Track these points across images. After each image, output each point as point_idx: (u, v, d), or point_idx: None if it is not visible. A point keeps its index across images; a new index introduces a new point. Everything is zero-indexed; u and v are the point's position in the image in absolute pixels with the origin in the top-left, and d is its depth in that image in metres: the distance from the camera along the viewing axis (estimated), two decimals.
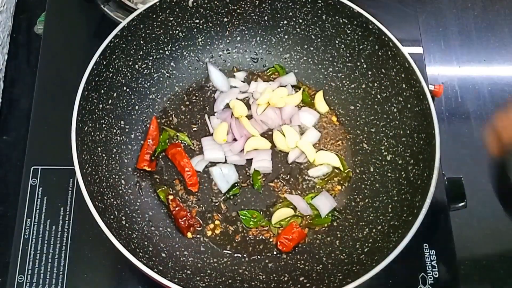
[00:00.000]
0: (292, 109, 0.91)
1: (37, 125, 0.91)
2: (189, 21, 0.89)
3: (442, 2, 1.16)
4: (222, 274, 0.78)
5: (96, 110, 0.80)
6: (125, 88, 0.86)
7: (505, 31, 1.13)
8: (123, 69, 0.85)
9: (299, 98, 0.91)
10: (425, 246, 0.85)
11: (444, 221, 0.87)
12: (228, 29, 0.93)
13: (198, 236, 0.82)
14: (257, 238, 0.83)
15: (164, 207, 0.83)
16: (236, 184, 0.85)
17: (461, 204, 0.87)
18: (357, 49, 0.88)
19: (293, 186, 0.86)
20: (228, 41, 0.94)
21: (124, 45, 0.83)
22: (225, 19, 0.91)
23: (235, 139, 0.88)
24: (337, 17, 0.86)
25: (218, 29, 0.92)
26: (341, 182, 0.87)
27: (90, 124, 0.78)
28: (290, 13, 0.90)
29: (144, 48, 0.87)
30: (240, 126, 0.88)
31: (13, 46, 1.05)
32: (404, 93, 0.82)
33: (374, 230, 0.79)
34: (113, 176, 0.81)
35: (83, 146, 0.75)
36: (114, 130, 0.84)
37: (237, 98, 0.91)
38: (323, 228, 0.83)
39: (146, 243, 0.77)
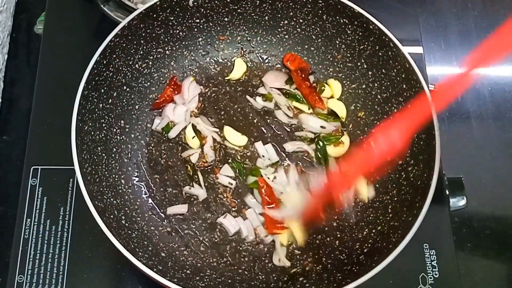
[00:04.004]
0: None
1: (37, 125, 0.91)
2: (190, 21, 0.89)
3: (442, 2, 1.15)
4: (221, 274, 0.78)
5: (96, 110, 0.80)
6: (125, 87, 0.86)
7: None
8: (123, 69, 0.85)
9: None
10: (425, 246, 0.85)
11: (444, 221, 0.87)
12: (229, 28, 0.93)
13: (198, 236, 0.82)
14: (257, 238, 0.82)
15: (163, 206, 0.84)
16: None
17: (461, 204, 0.87)
18: (357, 49, 0.87)
19: None
20: (228, 41, 0.94)
21: (124, 45, 0.83)
22: (226, 19, 0.91)
23: None
24: (337, 17, 0.86)
25: (219, 28, 0.92)
26: None
27: (90, 124, 0.78)
28: (291, 13, 0.89)
29: (145, 47, 0.87)
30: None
31: (13, 46, 1.05)
32: (405, 94, 0.82)
33: (374, 231, 0.79)
34: (113, 175, 0.81)
35: (83, 145, 0.75)
36: (114, 130, 0.84)
37: None
38: (323, 228, 0.83)
39: (145, 242, 0.77)
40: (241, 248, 0.81)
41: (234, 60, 0.94)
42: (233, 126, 0.89)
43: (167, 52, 0.91)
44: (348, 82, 0.91)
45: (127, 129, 0.87)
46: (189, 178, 0.86)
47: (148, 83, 0.90)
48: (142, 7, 0.82)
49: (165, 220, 0.83)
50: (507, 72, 1.09)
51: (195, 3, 0.87)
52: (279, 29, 0.92)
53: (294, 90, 0.93)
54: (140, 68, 0.88)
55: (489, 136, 1.02)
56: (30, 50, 1.05)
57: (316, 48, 0.92)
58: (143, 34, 0.85)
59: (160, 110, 0.90)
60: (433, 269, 0.83)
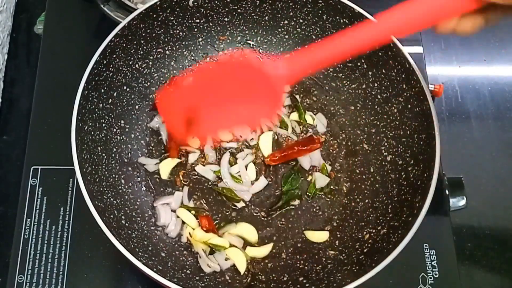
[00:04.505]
0: None
1: (37, 125, 0.91)
2: (190, 21, 0.89)
3: None
4: (221, 274, 0.78)
5: (96, 110, 0.80)
6: (125, 87, 0.86)
7: (505, 31, 1.13)
8: (123, 69, 0.85)
9: None
10: (425, 246, 0.85)
11: (444, 221, 0.87)
12: (229, 28, 0.93)
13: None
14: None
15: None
16: None
17: (461, 204, 0.87)
18: None
19: None
20: (228, 41, 0.94)
21: (124, 45, 0.83)
22: (226, 19, 0.91)
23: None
24: (337, 17, 0.86)
25: (219, 28, 0.92)
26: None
27: (90, 124, 0.78)
28: (291, 13, 0.89)
29: (145, 47, 0.87)
30: None
31: (13, 46, 1.05)
32: (405, 94, 0.82)
33: (374, 231, 0.79)
34: (113, 175, 0.81)
35: (83, 145, 0.75)
36: (114, 130, 0.84)
37: None
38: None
39: (145, 242, 0.77)
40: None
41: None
42: None
43: (167, 52, 0.91)
44: (348, 82, 0.91)
45: (127, 129, 0.86)
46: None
47: (148, 83, 0.90)
48: (142, 7, 0.82)
49: None
50: (507, 72, 1.09)
51: (195, 3, 0.87)
52: (279, 29, 0.92)
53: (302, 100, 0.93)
54: (140, 68, 0.88)
55: (489, 136, 1.02)
56: (30, 50, 1.05)
57: None
58: (143, 34, 0.85)
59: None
60: (433, 269, 0.83)
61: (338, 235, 0.82)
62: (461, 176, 0.89)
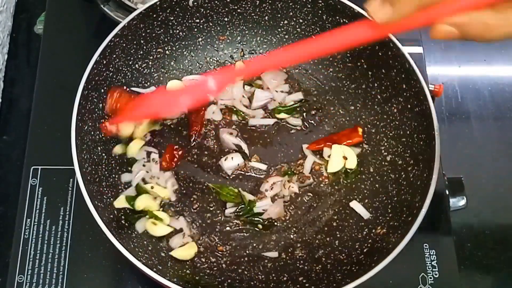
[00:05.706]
0: None
1: (37, 125, 0.91)
2: (190, 21, 0.89)
3: None
4: (221, 274, 0.78)
5: (96, 110, 0.80)
6: (125, 87, 0.86)
7: None
8: (123, 69, 0.85)
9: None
10: (425, 246, 0.85)
11: (444, 221, 0.87)
12: (229, 28, 0.93)
13: (197, 236, 0.82)
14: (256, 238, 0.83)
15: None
16: None
17: (461, 204, 0.87)
18: (357, 49, 0.87)
19: None
20: (228, 41, 0.94)
21: (124, 45, 0.83)
22: (226, 19, 0.91)
23: None
24: (337, 17, 0.86)
25: (219, 28, 0.92)
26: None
27: (90, 124, 0.78)
28: (291, 13, 0.90)
29: (144, 47, 0.87)
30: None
31: (13, 46, 1.05)
32: (404, 94, 0.82)
33: (373, 230, 0.79)
34: (113, 175, 0.81)
35: (82, 145, 0.75)
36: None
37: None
38: (323, 227, 0.83)
39: (145, 242, 0.77)
40: (240, 248, 0.81)
41: (235, 63, 0.94)
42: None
43: (167, 52, 0.91)
44: (348, 82, 0.91)
45: None
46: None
47: (148, 83, 0.90)
48: (142, 7, 0.82)
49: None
50: (507, 72, 1.09)
51: (195, 3, 0.87)
52: (279, 29, 0.92)
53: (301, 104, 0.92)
54: (140, 68, 0.88)
55: (489, 136, 1.02)
56: (30, 50, 1.05)
57: None
58: (143, 34, 0.85)
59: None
60: (433, 269, 0.83)
61: (338, 235, 0.82)
62: (461, 176, 0.89)
